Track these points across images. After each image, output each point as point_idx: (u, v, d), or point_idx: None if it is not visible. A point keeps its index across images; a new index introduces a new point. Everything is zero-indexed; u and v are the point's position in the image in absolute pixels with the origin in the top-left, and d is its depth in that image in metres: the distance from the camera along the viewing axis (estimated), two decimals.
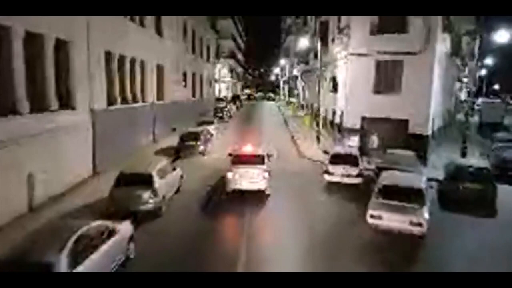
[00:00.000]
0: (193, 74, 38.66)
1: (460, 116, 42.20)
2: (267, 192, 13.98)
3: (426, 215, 10.26)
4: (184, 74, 34.27)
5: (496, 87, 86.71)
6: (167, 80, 28.01)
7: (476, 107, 48.16)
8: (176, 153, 20.29)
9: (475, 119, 40.36)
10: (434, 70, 19.70)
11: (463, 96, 55.49)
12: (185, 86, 34.40)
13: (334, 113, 25.86)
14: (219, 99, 62.28)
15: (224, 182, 14.37)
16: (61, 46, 14.06)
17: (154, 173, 12.11)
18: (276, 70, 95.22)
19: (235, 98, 55.01)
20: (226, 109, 37.05)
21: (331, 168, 14.99)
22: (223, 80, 72.06)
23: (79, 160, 15.08)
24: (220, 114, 34.82)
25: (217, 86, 71.32)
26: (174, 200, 13.64)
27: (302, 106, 43.83)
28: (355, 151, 15.81)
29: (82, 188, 14.43)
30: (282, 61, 53.70)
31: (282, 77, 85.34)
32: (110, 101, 18.00)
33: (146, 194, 11.58)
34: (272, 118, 41.70)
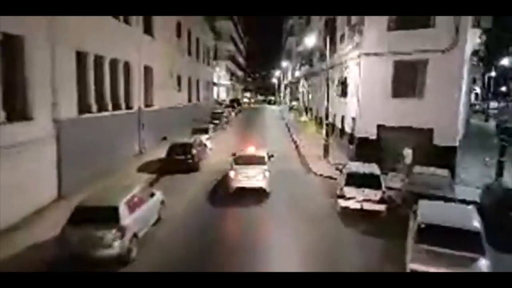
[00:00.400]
0: (189, 78, 35.96)
1: (474, 121, 39.45)
2: (267, 190, 14.44)
3: (487, 269, 7.47)
4: (179, 77, 31.56)
5: (504, 89, 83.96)
6: (158, 84, 25.27)
7: (491, 111, 45.41)
8: (162, 169, 17.51)
9: (492, 124, 37.64)
10: (464, 70, 16.93)
11: (472, 99, 52.65)
12: (179, 90, 31.67)
13: (343, 119, 23.06)
14: (217, 103, 59.66)
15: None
16: (10, 43, 11.31)
17: (121, 206, 9.28)
18: (278, 73, 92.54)
19: (234, 102, 52.11)
20: (223, 115, 34.24)
21: (347, 191, 12.14)
22: (222, 83, 69.45)
23: (38, 182, 12.28)
24: (217, 121, 32.02)
25: (216, 90, 68.78)
26: (151, 235, 10.82)
27: (306, 111, 41.08)
28: (376, 169, 12.93)
29: (38, 219, 11.58)
30: (284, 63, 50.93)
31: (283, 79, 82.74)
32: (83, 109, 15.24)
33: (109, 235, 8.76)
34: (273, 123, 38.90)
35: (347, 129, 21.59)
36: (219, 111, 36.02)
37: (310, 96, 40.04)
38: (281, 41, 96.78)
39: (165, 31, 26.41)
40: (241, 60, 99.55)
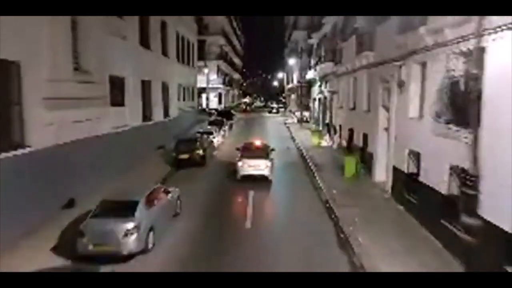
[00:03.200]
0: (145, 82, 22.71)
1: None
2: (270, 178, 16.61)
3: None
4: (116, 81, 18.36)
5: None
6: (42, 95, 11.98)
7: None
8: None
9: None
10: None
11: None
12: (121, 104, 18.47)
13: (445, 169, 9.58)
14: (206, 113, 46.40)
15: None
16: None
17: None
18: (281, 75, 79.52)
19: (223, 115, 37.48)
20: (198, 145, 20.15)
21: None
22: (213, 87, 56.43)
23: None
24: (186, 155, 18.74)
25: (205, 97, 55.73)
26: None
27: (328, 129, 27.57)
28: None
29: None
30: (292, 61, 37.42)
31: (288, 83, 69.51)
32: None
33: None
34: (282, 158, 23.21)
35: (500, 223, 8.12)
36: (194, 137, 22.07)
37: (334, 108, 26.62)
38: (283, 39, 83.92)
39: None
40: (237, 61, 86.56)
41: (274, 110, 64.00)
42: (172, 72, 28.87)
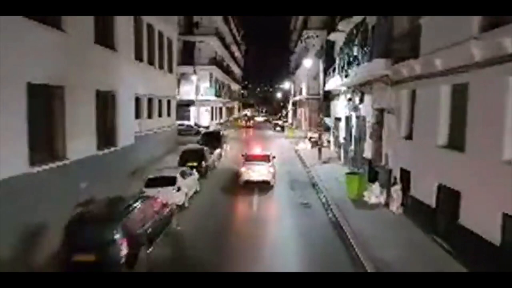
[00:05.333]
0: (43, 90, 12.17)
1: None
2: (271, 183, 17.08)
3: None
4: None
5: None
6: None
7: None
8: None
9: None
10: None
11: None
12: None
13: None
14: (192, 132, 35.92)
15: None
16: None
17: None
18: (287, 85, 69.10)
19: (208, 140, 25.25)
20: (118, 231, 8.55)
21: None
22: (204, 100, 46.05)
23: None
24: (90, 258, 8.03)
25: (194, 111, 45.36)
26: None
27: (375, 174, 16.52)
28: None
29: None
30: (309, 61, 27.31)
31: (295, 94, 59.28)
32: None
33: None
34: (296, 236, 12.66)
35: None
36: (112, 211, 9.48)
37: (385, 137, 15.87)
38: (288, 47, 74.37)
39: None
40: (236, 69, 76.56)
41: (278, 128, 53.34)
42: (124, 76, 18.35)
